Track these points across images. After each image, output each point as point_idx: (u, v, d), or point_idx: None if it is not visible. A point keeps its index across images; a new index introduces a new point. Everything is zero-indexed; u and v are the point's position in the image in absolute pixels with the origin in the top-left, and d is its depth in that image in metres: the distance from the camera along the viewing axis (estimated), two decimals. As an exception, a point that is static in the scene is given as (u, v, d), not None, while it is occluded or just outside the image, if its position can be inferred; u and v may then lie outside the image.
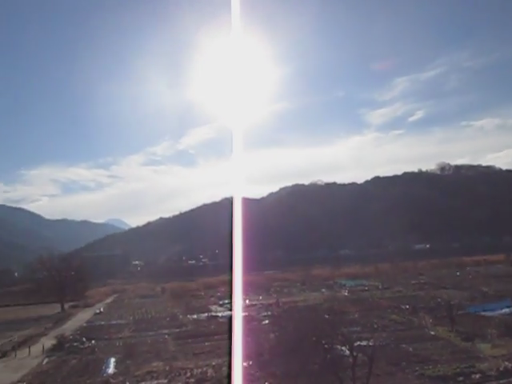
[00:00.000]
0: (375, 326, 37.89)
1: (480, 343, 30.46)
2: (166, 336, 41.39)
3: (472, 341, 31.21)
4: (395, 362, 26.07)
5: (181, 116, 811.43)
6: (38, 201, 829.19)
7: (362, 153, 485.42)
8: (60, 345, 39.15)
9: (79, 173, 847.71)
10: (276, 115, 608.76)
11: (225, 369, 25.22)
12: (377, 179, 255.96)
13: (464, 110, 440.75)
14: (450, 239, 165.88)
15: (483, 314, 42.16)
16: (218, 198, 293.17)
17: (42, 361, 34.19)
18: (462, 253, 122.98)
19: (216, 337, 36.78)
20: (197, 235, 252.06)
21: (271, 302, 62.57)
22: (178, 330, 44.46)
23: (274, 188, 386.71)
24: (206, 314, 54.96)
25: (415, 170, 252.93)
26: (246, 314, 51.58)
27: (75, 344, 39.87)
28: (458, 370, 24.59)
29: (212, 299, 75.68)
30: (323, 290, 78.12)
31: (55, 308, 75.00)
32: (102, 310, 70.58)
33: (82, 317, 64.22)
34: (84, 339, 41.90)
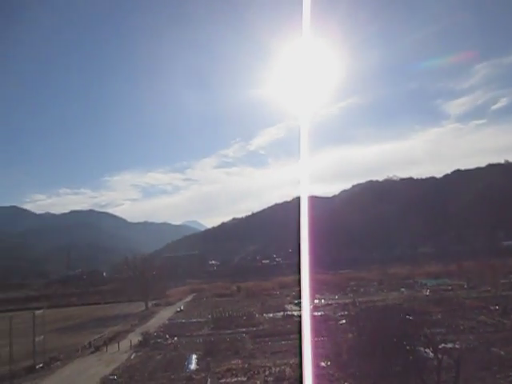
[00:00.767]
0: (461, 328, 35.75)
1: None
2: (244, 334, 42.11)
3: None
4: (485, 367, 24.36)
5: (251, 117, 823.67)
6: (121, 205, 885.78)
7: (440, 145, 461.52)
8: (145, 341, 41.31)
9: (157, 177, 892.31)
10: (346, 111, 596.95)
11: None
12: (457, 173, 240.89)
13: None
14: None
15: None
16: (289, 198, 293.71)
17: (130, 356, 36.29)
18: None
19: (292, 336, 36.75)
20: (270, 235, 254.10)
21: (347, 301, 61.31)
22: (254, 329, 45.06)
23: (347, 185, 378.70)
24: (282, 313, 55.16)
25: (501, 161, 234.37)
26: (322, 313, 51.10)
27: (159, 340, 41.88)
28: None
29: (287, 298, 75.78)
30: (402, 289, 75.13)
31: (140, 306, 79.36)
32: (182, 308, 73.45)
33: (164, 315, 67.35)
34: (167, 336, 43.87)
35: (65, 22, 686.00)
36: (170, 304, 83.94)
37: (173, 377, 27.58)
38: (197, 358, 32.35)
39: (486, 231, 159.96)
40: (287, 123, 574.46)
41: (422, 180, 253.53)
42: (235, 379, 25.91)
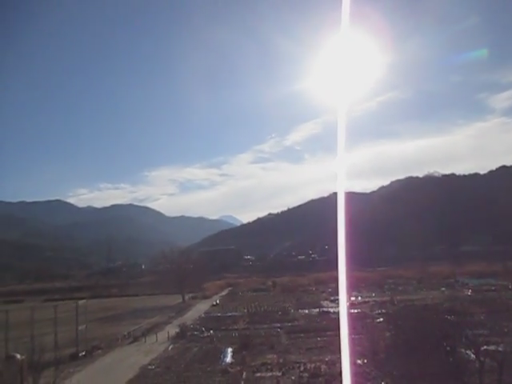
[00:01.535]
0: (505, 330, 34.40)
1: None
2: (279, 329, 42.20)
3: None
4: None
5: (287, 113, 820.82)
6: (159, 199, 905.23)
7: (484, 140, 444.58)
8: (182, 333, 42.12)
9: (194, 172, 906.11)
10: (386, 105, 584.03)
11: (338, 365, 24.94)
12: (503, 169, 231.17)
13: None
14: None
15: None
16: (326, 193, 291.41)
17: (168, 347, 37.13)
18: None
19: (328, 333, 36.51)
20: (305, 230, 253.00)
21: (385, 299, 60.31)
22: (289, 324, 45.07)
23: (385, 182, 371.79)
24: (318, 310, 54.89)
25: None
26: (359, 310, 50.49)
27: (195, 333, 42.62)
28: None
29: (323, 295, 75.37)
30: (443, 288, 73.11)
31: (177, 298, 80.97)
32: (218, 301, 74.39)
33: (200, 308, 68.43)
34: (203, 329, 44.58)
35: (93, 20, 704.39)
36: (206, 297, 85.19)
37: (209, 369, 28.02)
38: (232, 352, 32.71)
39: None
40: (324, 118, 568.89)
41: (464, 176, 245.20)
42: (270, 374, 26.03)
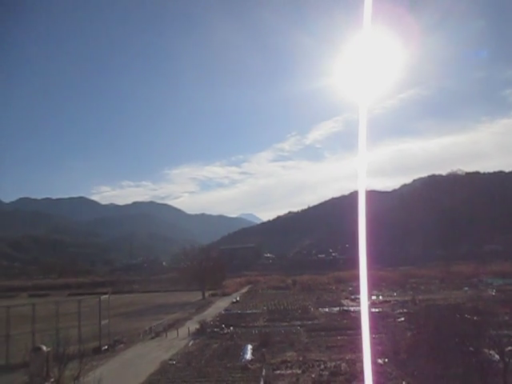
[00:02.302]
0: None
1: None
2: (299, 327, 42.17)
3: None
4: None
5: (307, 111, 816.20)
6: (179, 197, 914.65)
7: (509, 137, 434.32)
8: (203, 329, 42.51)
9: (214, 171, 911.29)
10: (408, 103, 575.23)
11: (359, 364, 24.83)
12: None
13: None
14: None
15: None
16: (346, 192, 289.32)
17: (188, 343, 37.53)
18: None
19: (349, 331, 36.33)
20: (326, 229, 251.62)
21: (407, 298, 59.62)
22: (310, 323, 44.99)
23: (407, 180, 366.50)
24: (338, 308, 54.63)
25: None
26: (380, 310, 50.06)
27: (216, 330, 42.92)
28: None
29: (343, 293, 74.91)
30: (466, 288, 71.85)
31: (197, 295, 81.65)
32: (238, 299, 74.71)
33: (220, 305, 68.85)
34: (223, 325, 44.86)
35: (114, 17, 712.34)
36: (226, 294, 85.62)
37: (229, 365, 28.21)
38: (252, 349, 32.83)
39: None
40: (345, 116, 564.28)
41: (489, 174, 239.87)
42: (290, 371, 26.04)
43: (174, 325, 47.95)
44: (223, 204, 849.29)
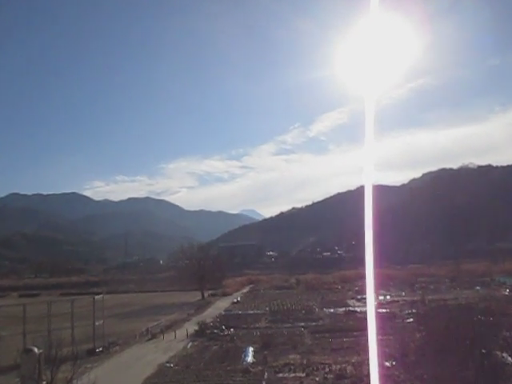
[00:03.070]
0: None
1: None
2: (302, 329, 42.36)
3: None
4: None
5: (310, 101, 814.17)
6: (177, 193, 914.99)
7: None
8: (202, 331, 42.72)
9: (213, 165, 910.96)
10: (418, 92, 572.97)
11: (365, 367, 24.92)
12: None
13: None
14: None
15: None
16: (352, 187, 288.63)
17: (187, 344, 37.73)
18: None
19: (355, 333, 36.45)
20: (331, 225, 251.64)
21: (416, 298, 59.75)
22: (314, 324, 45.17)
23: (417, 174, 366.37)
24: (344, 309, 54.84)
25: None
26: (388, 310, 50.18)
27: (215, 331, 43.12)
28: None
29: (349, 293, 75.11)
30: (478, 287, 71.92)
31: (196, 295, 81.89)
32: (238, 299, 74.92)
33: (220, 305, 69.10)
34: (223, 327, 45.06)
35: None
36: (226, 294, 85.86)
37: (229, 368, 28.35)
38: (254, 351, 33.00)
39: None
40: (350, 107, 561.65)
41: (502, 168, 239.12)
42: (293, 375, 26.17)
43: (172, 326, 48.18)
44: (223, 200, 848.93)
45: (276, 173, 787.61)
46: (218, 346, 36.11)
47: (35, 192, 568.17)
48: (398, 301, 60.50)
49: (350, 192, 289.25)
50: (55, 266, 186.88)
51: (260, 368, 27.94)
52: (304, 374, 26.01)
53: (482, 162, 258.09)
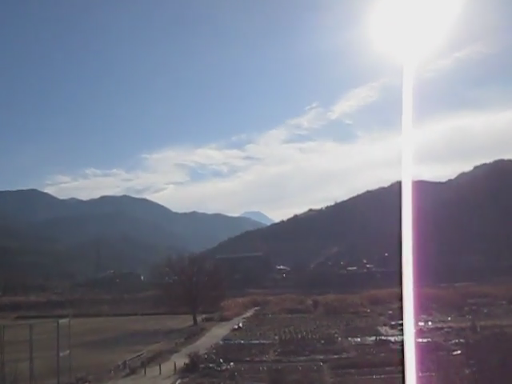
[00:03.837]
0: None
1: None
2: (321, 363, 42.37)
3: None
4: None
5: (332, 75, 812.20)
6: (162, 190, 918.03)
7: None
8: (193, 365, 42.76)
9: (209, 155, 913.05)
10: (467, 63, 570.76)
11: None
12: None
13: None
14: None
15: None
16: (385, 183, 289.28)
17: (175, 382, 37.84)
18: None
19: (387, 368, 36.46)
20: (359, 232, 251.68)
21: (465, 325, 59.71)
22: (336, 357, 45.17)
23: (467, 167, 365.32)
24: (374, 338, 54.87)
25: None
26: (430, 340, 50.13)
27: (211, 365, 43.20)
28: None
29: (381, 318, 75.16)
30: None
31: (186, 320, 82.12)
32: (240, 325, 75.09)
33: (217, 332, 69.28)
34: (221, 360, 45.15)
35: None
36: (225, 319, 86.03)
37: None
38: (259, 391, 33.06)
39: None
40: (383, 81, 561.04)
41: None
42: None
43: (156, 359, 48.29)
44: (221, 199, 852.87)
45: (288, 165, 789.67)
46: (215, 385, 36.20)
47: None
48: (442, 328, 60.52)
49: (382, 190, 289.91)
50: (8, 281, 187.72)
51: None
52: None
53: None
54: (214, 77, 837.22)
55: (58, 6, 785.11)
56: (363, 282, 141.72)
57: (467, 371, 26.25)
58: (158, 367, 43.37)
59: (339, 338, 56.53)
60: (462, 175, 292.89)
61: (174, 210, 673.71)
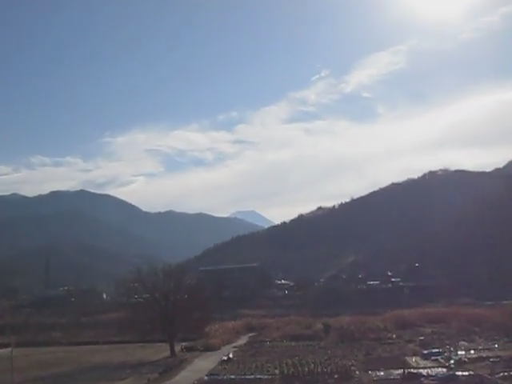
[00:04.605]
0: None
1: None
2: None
3: None
4: None
5: (345, 37, 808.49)
6: (130, 184, 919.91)
7: None
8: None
9: (189, 138, 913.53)
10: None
11: None
12: None
13: None
14: None
15: None
16: (415, 174, 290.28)
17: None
18: None
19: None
20: (381, 237, 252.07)
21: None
22: (353, 396, 45.41)
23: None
24: (401, 371, 54.90)
25: None
26: (472, 372, 50.35)
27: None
28: None
29: (410, 346, 75.33)
30: None
31: (161, 349, 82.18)
32: (230, 355, 75.13)
33: (201, 365, 69.25)
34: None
35: None
36: (210, 348, 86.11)
37: None
38: None
39: None
40: (410, 44, 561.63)
41: None
42: None
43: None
44: (205, 195, 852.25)
45: (291, 151, 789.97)
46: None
47: None
48: (487, 357, 60.65)
49: (411, 182, 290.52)
50: None
51: None
52: None
53: None
54: (194, 39, 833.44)
55: None
56: (387, 300, 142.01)
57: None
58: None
59: (357, 372, 56.64)
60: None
61: (144, 208, 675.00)
